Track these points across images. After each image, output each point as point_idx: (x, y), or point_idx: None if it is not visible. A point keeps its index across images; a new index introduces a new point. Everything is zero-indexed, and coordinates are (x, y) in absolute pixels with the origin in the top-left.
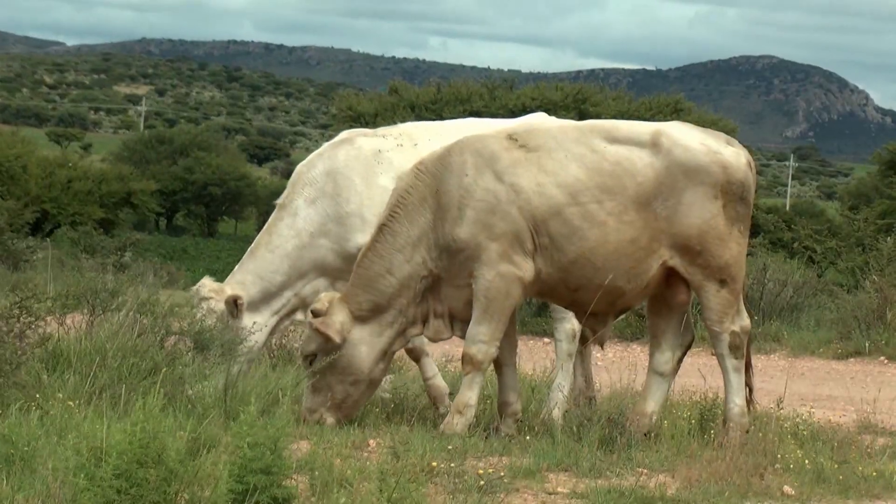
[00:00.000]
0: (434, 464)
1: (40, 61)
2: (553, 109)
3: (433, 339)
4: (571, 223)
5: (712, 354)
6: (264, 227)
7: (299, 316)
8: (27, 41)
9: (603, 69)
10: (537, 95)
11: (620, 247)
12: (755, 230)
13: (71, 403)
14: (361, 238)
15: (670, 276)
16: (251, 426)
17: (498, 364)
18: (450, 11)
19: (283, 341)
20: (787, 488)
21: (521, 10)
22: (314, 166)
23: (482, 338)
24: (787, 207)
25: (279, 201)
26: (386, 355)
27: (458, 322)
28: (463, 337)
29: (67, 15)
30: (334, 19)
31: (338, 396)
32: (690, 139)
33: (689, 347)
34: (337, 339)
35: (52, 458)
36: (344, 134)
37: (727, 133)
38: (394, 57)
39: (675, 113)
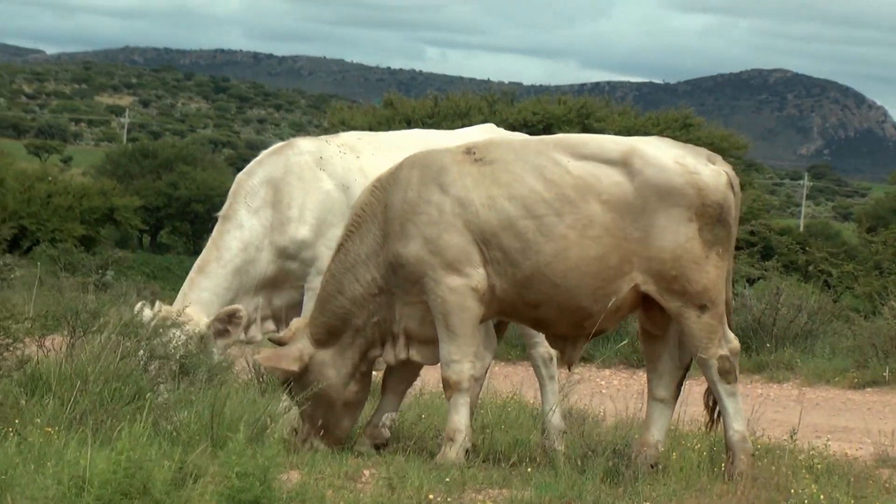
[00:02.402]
0: (431, 496)
1: (19, 70)
2: (556, 124)
3: (390, 363)
4: (525, 237)
5: None
6: (209, 242)
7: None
8: (5, 49)
9: (608, 82)
10: (539, 109)
11: (583, 263)
12: (768, 252)
13: (50, 430)
14: (301, 247)
15: (647, 300)
16: (239, 455)
17: (384, 386)
18: (449, 20)
19: None
20: None
21: (523, 20)
22: (254, 174)
23: (453, 357)
24: (801, 228)
25: (221, 213)
26: (355, 377)
27: (416, 343)
28: (420, 360)
29: (48, 22)
30: (326, 27)
31: (319, 423)
32: (665, 158)
33: (687, 369)
34: (294, 367)
35: (30, 487)
36: (283, 142)
37: (737, 150)
38: (389, 67)
39: (684, 128)
